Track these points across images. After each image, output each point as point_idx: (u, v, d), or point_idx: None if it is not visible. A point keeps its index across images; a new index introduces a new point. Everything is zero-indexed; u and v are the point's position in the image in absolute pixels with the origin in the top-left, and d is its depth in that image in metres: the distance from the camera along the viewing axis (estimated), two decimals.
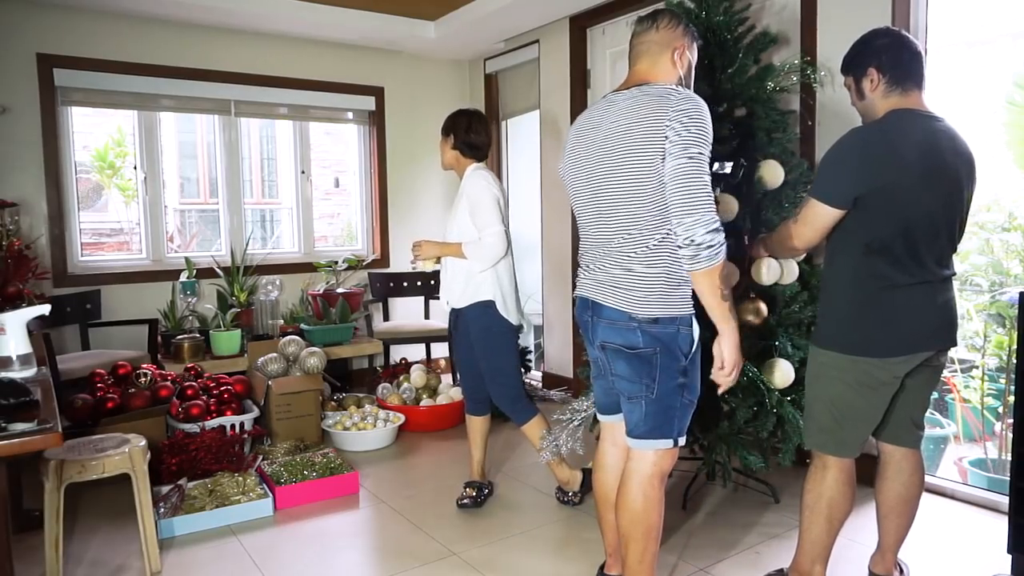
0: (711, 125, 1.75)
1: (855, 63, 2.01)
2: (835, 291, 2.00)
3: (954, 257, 2.02)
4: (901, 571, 2.25)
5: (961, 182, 1.92)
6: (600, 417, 2.16)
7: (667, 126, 1.70)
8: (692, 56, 1.94)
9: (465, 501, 2.88)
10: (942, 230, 1.92)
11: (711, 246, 1.69)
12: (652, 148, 1.72)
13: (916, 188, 1.86)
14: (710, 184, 1.72)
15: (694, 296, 1.81)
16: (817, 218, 1.93)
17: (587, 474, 2.89)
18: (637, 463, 1.91)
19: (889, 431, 2.11)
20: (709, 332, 1.85)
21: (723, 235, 1.71)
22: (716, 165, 2.33)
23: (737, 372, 1.84)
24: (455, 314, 2.88)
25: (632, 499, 1.90)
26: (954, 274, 2.01)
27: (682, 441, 1.90)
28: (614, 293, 1.82)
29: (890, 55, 1.93)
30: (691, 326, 1.83)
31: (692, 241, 1.69)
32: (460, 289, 2.79)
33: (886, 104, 1.94)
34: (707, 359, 1.88)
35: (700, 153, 1.70)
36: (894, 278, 1.90)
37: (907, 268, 1.90)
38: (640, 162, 1.74)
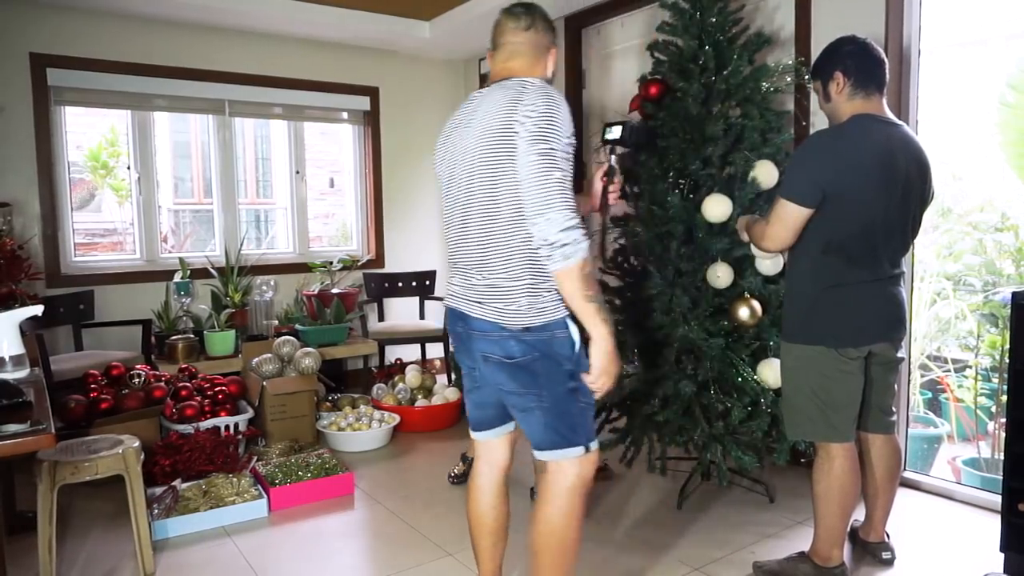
0: (566, 116, 1.65)
1: (823, 68, 2.15)
2: (796, 288, 2.16)
3: (907, 255, 2.20)
4: (887, 536, 2.42)
5: (914, 185, 2.06)
6: (473, 434, 2.00)
7: (517, 121, 1.62)
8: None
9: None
10: (896, 231, 2.07)
11: (566, 244, 1.58)
12: (504, 147, 1.64)
13: (874, 191, 1.99)
14: (566, 180, 1.62)
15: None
16: (789, 217, 2.05)
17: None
18: (556, 475, 1.79)
19: (863, 420, 2.26)
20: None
21: (580, 232, 1.60)
22: (607, 133, 2.26)
23: (609, 380, 1.70)
24: None
25: (551, 513, 1.78)
26: (903, 272, 2.17)
27: (594, 446, 1.80)
28: (481, 305, 1.74)
29: (855, 60, 2.08)
30: (567, 328, 1.73)
31: (546, 241, 1.59)
32: None
33: (850, 107, 2.08)
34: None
35: (551, 149, 1.60)
36: (848, 276, 2.05)
37: (861, 267, 2.05)
38: (493, 163, 1.66)
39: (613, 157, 2.15)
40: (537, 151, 1.60)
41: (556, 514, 1.79)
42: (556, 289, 1.71)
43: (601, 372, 1.68)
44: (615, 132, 2.20)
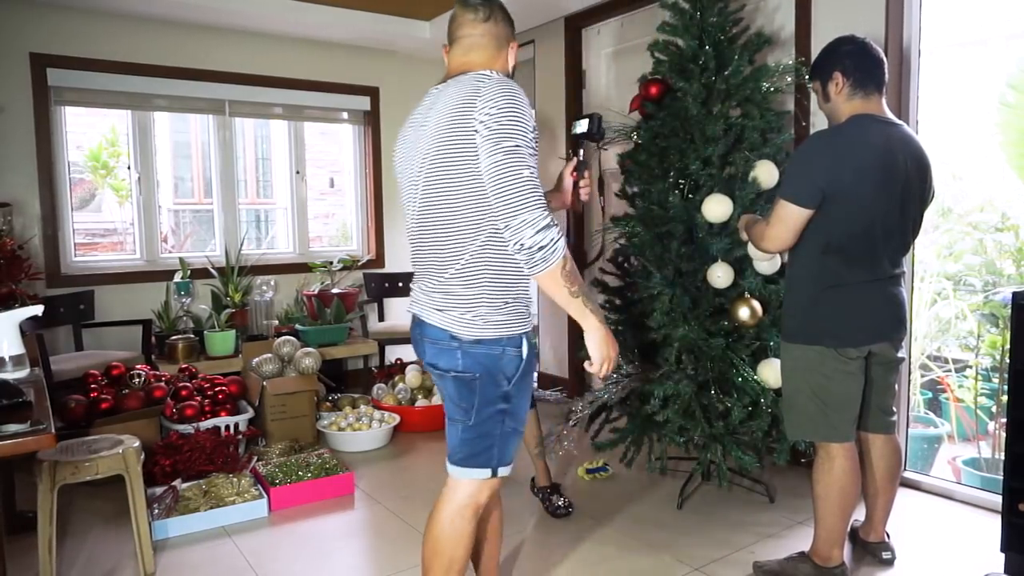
0: (528, 110, 1.55)
1: (821, 68, 2.16)
2: (796, 288, 2.17)
3: (907, 255, 2.20)
4: (888, 536, 2.42)
5: (914, 185, 2.06)
6: None
7: (475, 119, 1.52)
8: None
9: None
10: (896, 231, 2.07)
11: (543, 247, 1.49)
12: (461, 147, 1.54)
13: (873, 191, 2.00)
14: (535, 177, 1.52)
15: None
16: (789, 218, 2.05)
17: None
18: (452, 491, 1.75)
19: (863, 421, 2.26)
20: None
21: (556, 230, 1.51)
22: (574, 127, 2.22)
23: (610, 364, 1.65)
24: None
25: (439, 528, 1.74)
26: (903, 272, 2.17)
27: (503, 471, 1.73)
28: (436, 311, 1.66)
29: (854, 60, 2.08)
30: (520, 347, 1.67)
31: (523, 246, 1.49)
32: None
33: (849, 107, 2.09)
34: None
35: (516, 146, 1.50)
36: (847, 276, 2.05)
37: (861, 267, 2.05)
38: (449, 164, 1.57)
39: (582, 151, 2.09)
40: (503, 150, 1.50)
41: (444, 530, 1.74)
42: (518, 301, 1.67)
43: (602, 360, 1.64)
44: (582, 125, 2.16)
